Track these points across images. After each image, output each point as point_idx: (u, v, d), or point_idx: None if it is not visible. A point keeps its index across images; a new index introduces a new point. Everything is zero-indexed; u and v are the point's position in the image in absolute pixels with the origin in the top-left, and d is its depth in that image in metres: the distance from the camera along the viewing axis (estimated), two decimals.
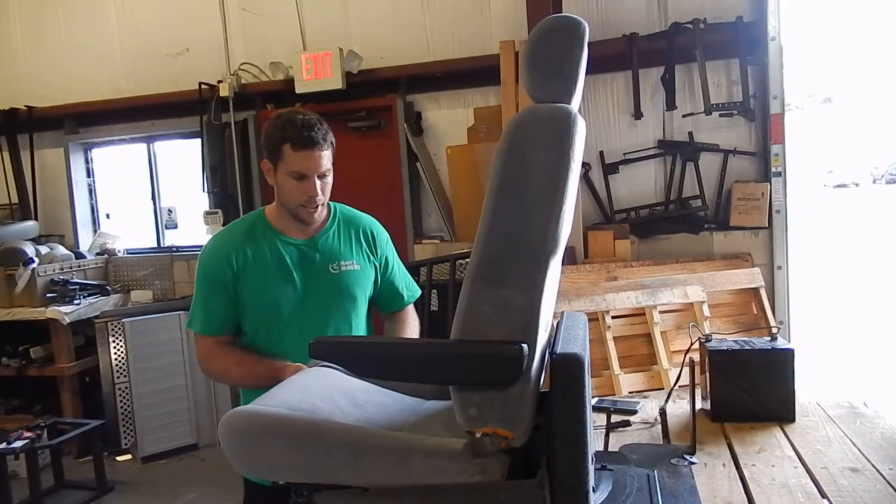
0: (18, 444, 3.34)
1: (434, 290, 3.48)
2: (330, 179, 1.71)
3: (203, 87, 4.30)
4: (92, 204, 5.00)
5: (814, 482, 1.71)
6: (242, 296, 1.69)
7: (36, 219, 4.77)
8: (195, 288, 1.74)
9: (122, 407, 4.09)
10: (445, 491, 1.09)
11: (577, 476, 1.09)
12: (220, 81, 4.27)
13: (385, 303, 1.90)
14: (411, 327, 1.90)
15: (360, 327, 1.79)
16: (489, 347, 1.07)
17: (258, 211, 1.81)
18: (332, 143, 1.69)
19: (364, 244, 1.82)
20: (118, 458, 4.07)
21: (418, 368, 1.20)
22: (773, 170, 3.54)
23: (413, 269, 3.62)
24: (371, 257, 1.82)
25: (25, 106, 4.72)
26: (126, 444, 4.11)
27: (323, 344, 1.26)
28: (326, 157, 1.66)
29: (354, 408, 1.32)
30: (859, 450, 1.89)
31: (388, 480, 1.12)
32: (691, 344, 2.24)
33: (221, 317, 1.71)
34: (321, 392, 1.33)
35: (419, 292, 1.98)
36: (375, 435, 1.19)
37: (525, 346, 1.03)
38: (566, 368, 1.09)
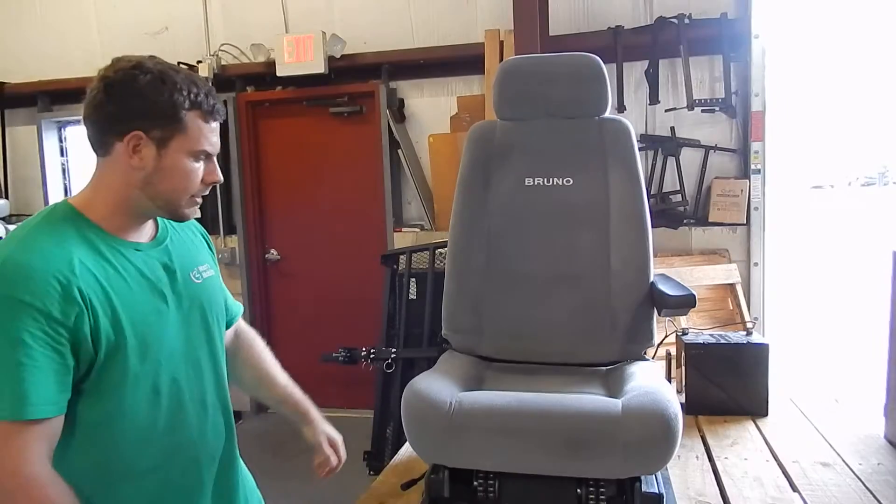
0: None
1: (413, 279, 3.46)
2: None
3: (182, 67, 4.20)
4: (65, 184, 4.88)
5: (785, 476, 1.73)
6: (102, 337, 1.02)
7: (7, 198, 4.66)
8: None
9: None
10: None
11: None
12: (199, 62, 4.19)
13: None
14: (260, 344, 1.47)
15: (222, 353, 1.30)
16: None
17: (63, 206, 1.11)
18: None
19: (205, 242, 1.35)
20: None
21: None
22: (753, 167, 3.57)
23: (392, 258, 3.61)
24: (214, 259, 1.35)
25: None
26: None
27: None
28: None
29: None
30: (830, 445, 1.91)
31: None
32: (665, 336, 2.25)
33: (50, 386, 0.98)
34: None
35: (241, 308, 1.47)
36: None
37: None
38: None
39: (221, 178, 1.19)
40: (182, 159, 1.11)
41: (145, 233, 1.18)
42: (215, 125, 1.15)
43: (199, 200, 1.18)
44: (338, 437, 1.46)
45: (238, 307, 1.43)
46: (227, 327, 1.37)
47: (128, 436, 1.09)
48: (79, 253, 1.04)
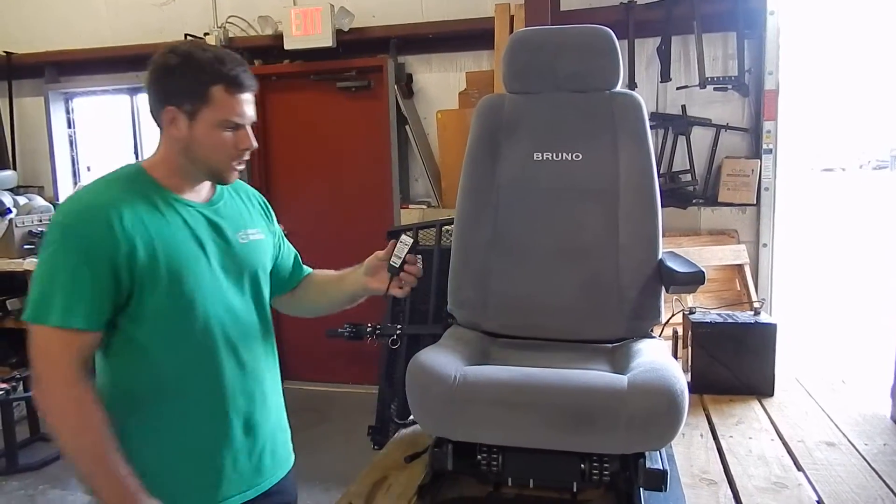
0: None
1: (419, 256, 3.44)
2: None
3: (189, 39, 4.18)
4: (72, 156, 4.89)
5: (790, 455, 1.72)
6: (141, 273, 1.19)
7: (14, 169, 4.66)
8: (46, 265, 1.17)
9: None
10: None
11: None
12: (206, 34, 4.16)
13: (288, 277, 1.58)
14: (319, 274, 1.62)
15: (268, 308, 1.46)
16: None
17: (134, 166, 1.31)
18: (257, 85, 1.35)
19: (259, 212, 1.48)
20: None
21: None
22: (765, 147, 3.53)
23: (398, 234, 3.58)
24: (269, 226, 1.49)
25: (4, 52, 4.57)
26: None
27: None
28: (253, 102, 1.31)
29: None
30: (836, 425, 1.90)
31: None
32: (672, 315, 2.24)
33: (93, 303, 1.16)
34: None
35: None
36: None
37: None
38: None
39: (254, 145, 1.30)
40: (211, 130, 1.25)
41: (201, 193, 1.34)
42: (244, 96, 1.26)
43: (240, 166, 1.32)
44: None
45: (304, 270, 1.61)
46: (295, 283, 1.59)
47: (159, 359, 1.24)
48: (133, 199, 1.22)
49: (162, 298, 1.21)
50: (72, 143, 4.88)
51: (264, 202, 1.52)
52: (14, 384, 3.44)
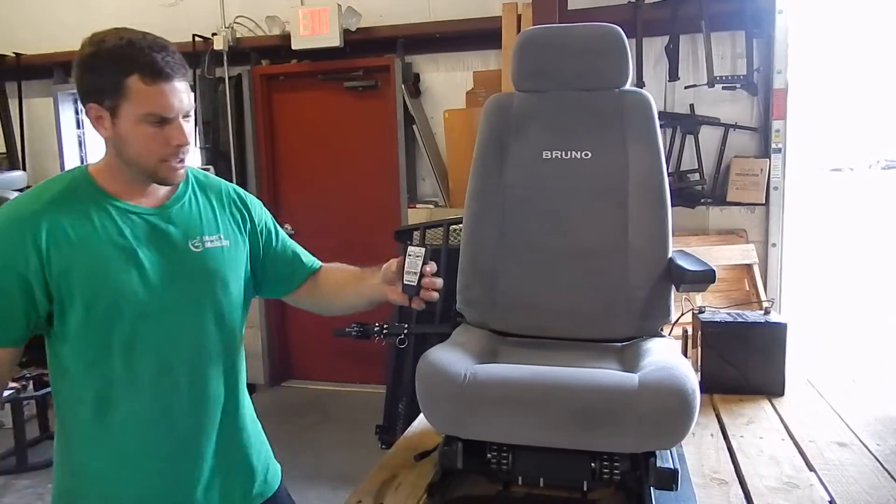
0: (4, 394, 3.32)
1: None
2: (192, 123, 1.20)
3: (197, 39, 4.20)
4: (81, 156, 4.91)
5: (801, 455, 1.71)
6: (57, 289, 1.11)
7: (24, 169, 4.68)
8: None
9: None
10: None
11: None
12: (214, 34, 4.17)
13: (288, 274, 1.45)
14: (331, 272, 1.49)
15: (235, 323, 1.30)
16: None
17: (79, 169, 1.21)
18: (188, 69, 1.21)
19: (232, 211, 1.32)
20: None
21: None
22: (774, 146, 3.51)
23: (406, 233, 3.59)
24: (242, 227, 1.33)
25: (14, 53, 4.60)
26: None
27: None
28: (187, 90, 1.16)
29: None
30: (847, 425, 1.89)
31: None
32: (681, 315, 2.23)
33: (5, 319, 1.11)
34: None
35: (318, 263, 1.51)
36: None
37: None
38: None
39: (185, 141, 1.16)
40: (135, 126, 1.11)
41: (155, 196, 1.22)
42: (167, 86, 1.11)
43: (179, 164, 1.17)
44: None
45: (310, 262, 1.48)
46: (300, 281, 1.45)
47: (79, 381, 1.16)
48: (63, 208, 1.12)
49: (80, 317, 1.12)
50: (81, 143, 4.90)
51: (241, 199, 1.36)
52: (24, 383, 3.46)
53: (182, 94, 1.13)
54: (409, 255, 1.28)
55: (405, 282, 1.28)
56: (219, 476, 1.27)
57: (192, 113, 1.19)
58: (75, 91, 1.17)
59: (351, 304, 1.48)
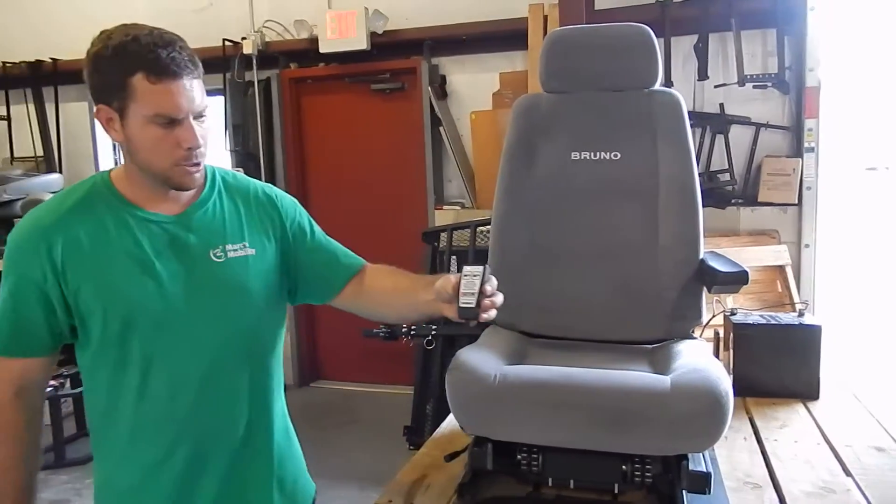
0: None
1: (454, 256, 3.46)
2: (209, 123, 1.13)
3: (227, 43, 4.26)
4: (115, 159, 5.01)
5: (837, 460, 1.67)
6: (75, 302, 1.10)
7: (60, 172, 4.81)
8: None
9: None
10: None
11: None
12: (243, 39, 4.24)
13: (327, 276, 1.33)
14: (392, 269, 1.38)
15: (262, 336, 1.25)
16: None
17: (101, 175, 1.17)
18: (201, 67, 1.11)
19: (260, 215, 1.25)
20: None
21: None
22: (806, 145, 3.46)
23: (433, 235, 3.61)
24: (271, 231, 1.25)
25: (50, 58, 4.71)
26: None
27: None
28: (199, 89, 1.08)
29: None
30: (885, 429, 1.85)
31: None
32: (713, 317, 2.20)
33: (16, 331, 1.11)
34: None
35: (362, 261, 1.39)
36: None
37: None
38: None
39: (196, 143, 1.09)
40: (143, 128, 1.06)
41: (177, 203, 1.17)
42: (174, 84, 1.04)
43: (191, 168, 1.11)
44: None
45: (353, 262, 1.36)
46: (344, 282, 1.33)
47: (99, 390, 1.17)
48: (81, 218, 1.10)
49: (99, 330, 1.10)
50: (115, 146, 5.01)
51: (271, 200, 1.28)
52: (62, 381, 3.54)
53: (191, 92, 1.06)
54: (466, 276, 1.17)
55: (462, 304, 1.15)
56: (234, 495, 1.22)
57: (206, 113, 1.12)
58: None
59: (403, 316, 1.43)
